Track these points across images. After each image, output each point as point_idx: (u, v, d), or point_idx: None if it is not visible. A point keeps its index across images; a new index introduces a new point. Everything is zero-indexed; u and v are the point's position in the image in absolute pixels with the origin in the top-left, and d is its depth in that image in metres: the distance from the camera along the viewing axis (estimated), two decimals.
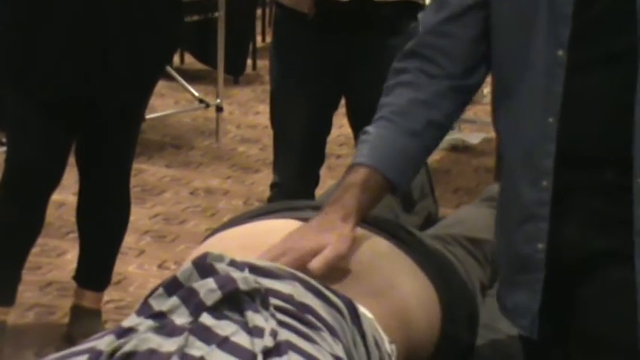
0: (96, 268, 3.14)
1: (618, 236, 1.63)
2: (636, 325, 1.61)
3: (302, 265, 1.63)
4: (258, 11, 7.07)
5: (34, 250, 3.03)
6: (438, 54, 1.78)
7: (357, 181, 1.75)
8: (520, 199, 1.70)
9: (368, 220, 1.79)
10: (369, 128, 1.83)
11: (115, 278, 3.22)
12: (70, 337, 3.08)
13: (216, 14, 5.31)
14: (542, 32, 1.64)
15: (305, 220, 1.77)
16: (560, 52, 1.62)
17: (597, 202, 1.64)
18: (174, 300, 1.46)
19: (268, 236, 1.73)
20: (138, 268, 3.71)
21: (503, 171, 1.80)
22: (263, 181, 4.53)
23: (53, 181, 2.89)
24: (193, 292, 1.45)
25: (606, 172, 1.62)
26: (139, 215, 4.02)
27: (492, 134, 5.06)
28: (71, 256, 3.58)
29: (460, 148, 5.49)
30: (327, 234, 1.69)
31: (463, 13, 1.77)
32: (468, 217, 2.31)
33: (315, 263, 1.64)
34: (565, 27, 1.62)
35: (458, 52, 1.77)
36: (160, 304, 1.47)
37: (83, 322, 3.08)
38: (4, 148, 3.24)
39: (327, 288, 1.57)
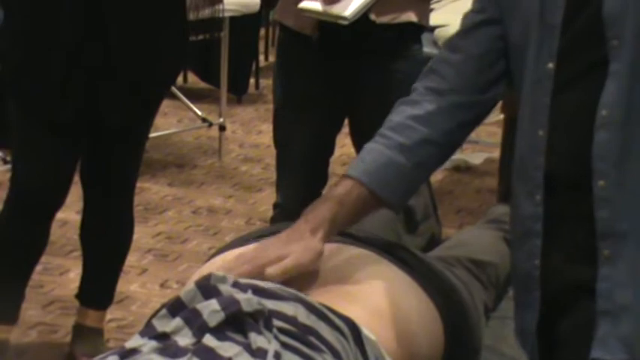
0: (99, 287, 3.14)
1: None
2: None
3: (260, 273, 1.67)
4: (262, 31, 7.09)
5: (37, 268, 3.03)
6: (448, 68, 1.79)
7: (336, 193, 1.77)
8: (520, 214, 1.69)
9: (371, 241, 1.80)
10: (365, 144, 1.84)
11: (117, 297, 3.22)
12: (72, 356, 3.07)
13: (220, 34, 5.33)
14: (534, 44, 1.65)
15: None
16: (550, 65, 1.62)
17: (581, 231, 1.62)
18: (177, 321, 1.46)
19: None
20: (140, 287, 3.71)
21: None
22: (265, 200, 4.54)
23: (58, 200, 2.89)
24: (197, 314, 1.45)
25: (587, 192, 1.60)
26: (141, 234, 4.02)
27: (495, 155, 5.07)
28: (74, 275, 3.58)
29: (462, 169, 5.49)
30: (293, 245, 1.72)
31: (475, 29, 1.77)
32: (471, 238, 2.31)
33: (271, 270, 1.68)
34: (554, 38, 1.62)
35: (466, 67, 1.77)
36: (163, 325, 1.47)
37: (85, 341, 3.08)
38: (8, 166, 3.24)
39: (331, 310, 1.57)
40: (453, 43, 1.81)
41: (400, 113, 1.82)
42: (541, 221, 1.64)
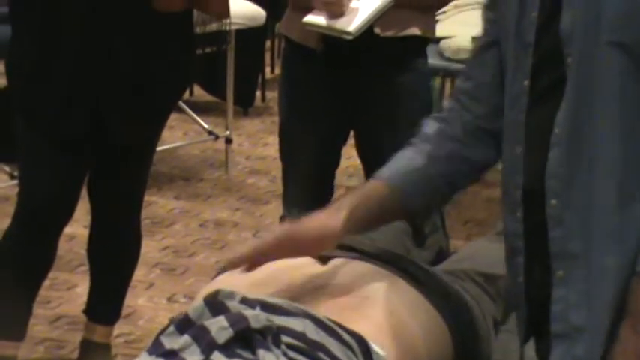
0: (106, 302, 3.14)
1: None
2: None
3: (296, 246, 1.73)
4: (268, 43, 7.09)
5: (45, 283, 3.03)
6: (465, 96, 1.79)
7: (363, 189, 1.81)
8: (505, 231, 1.70)
9: (380, 256, 1.79)
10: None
11: (124, 311, 3.21)
12: None
13: (226, 46, 5.33)
14: (511, 62, 1.65)
15: (316, 256, 1.77)
16: (525, 82, 1.63)
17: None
18: (185, 338, 1.45)
19: (279, 273, 1.73)
20: (147, 301, 3.70)
21: None
22: (272, 213, 4.53)
23: (65, 216, 2.89)
24: (205, 330, 1.45)
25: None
26: (148, 248, 4.01)
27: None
28: (81, 290, 3.57)
29: None
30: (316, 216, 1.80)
31: (480, 53, 1.77)
32: (480, 251, 2.30)
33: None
34: (528, 56, 1.62)
35: (480, 94, 1.77)
36: (171, 342, 1.46)
37: (93, 356, 3.07)
38: (16, 182, 3.24)
39: (339, 325, 1.56)
40: (464, 71, 1.82)
41: (431, 126, 1.83)
42: (522, 239, 1.64)
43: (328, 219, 1.76)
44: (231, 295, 1.52)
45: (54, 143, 2.78)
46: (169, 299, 3.73)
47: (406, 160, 1.80)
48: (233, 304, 1.49)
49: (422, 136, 1.83)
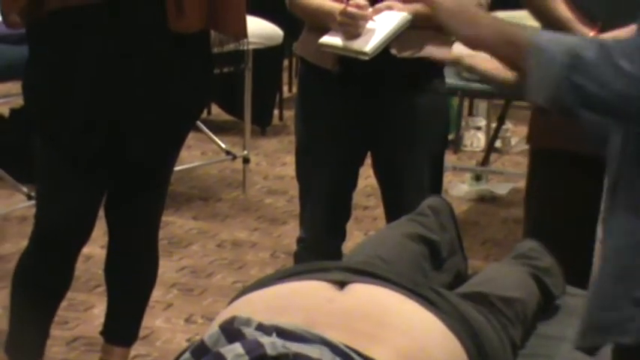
0: (124, 323, 3.13)
1: None
2: None
3: None
4: (285, 62, 7.10)
5: (62, 304, 3.02)
6: None
7: None
8: None
9: (398, 281, 1.77)
10: None
11: (141, 332, 3.20)
12: None
13: (243, 66, 5.33)
14: None
15: (333, 281, 1.76)
16: None
17: None
18: None
19: (296, 298, 1.72)
20: (165, 322, 3.69)
21: None
22: (290, 233, 4.52)
23: (83, 237, 2.88)
24: (221, 358, 1.43)
25: None
26: (166, 268, 4.01)
27: (520, 184, 5.04)
28: (98, 311, 3.57)
29: (488, 199, 5.46)
30: None
31: None
32: (498, 275, 2.28)
33: None
34: None
35: None
36: None
37: None
38: (33, 202, 3.24)
39: (356, 352, 1.55)
40: None
41: None
42: None
43: None
44: (247, 321, 1.51)
45: (72, 163, 2.77)
46: (187, 320, 3.72)
47: None
48: (249, 331, 1.48)
49: None
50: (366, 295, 1.76)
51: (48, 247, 2.87)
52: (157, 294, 3.42)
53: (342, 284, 1.78)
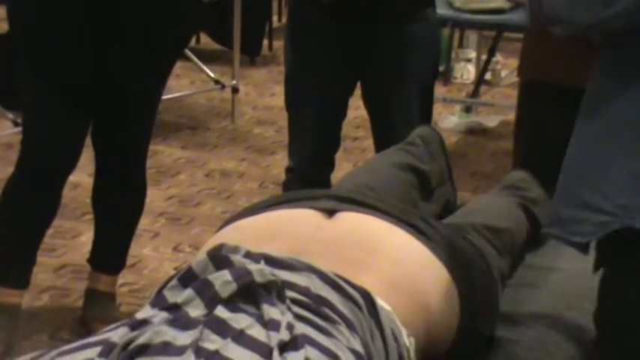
0: (111, 252, 3.13)
1: None
2: None
3: None
4: None
5: (49, 231, 3.02)
6: None
7: None
8: None
9: (387, 210, 1.76)
10: None
11: (129, 261, 3.20)
12: (84, 320, 3.06)
13: None
14: None
15: (322, 209, 1.74)
16: None
17: None
18: (189, 292, 1.43)
19: (284, 226, 1.70)
20: (152, 250, 3.69)
21: None
22: (279, 163, 4.51)
23: (69, 164, 2.87)
24: (208, 284, 1.42)
25: None
26: (153, 197, 4.00)
27: (510, 117, 5.02)
28: (86, 238, 3.57)
29: (477, 132, 5.45)
30: None
31: None
32: (487, 205, 2.28)
33: None
34: None
35: None
36: (174, 296, 1.44)
37: (97, 305, 3.07)
38: (19, 129, 3.22)
39: (344, 280, 1.54)
40: None
41: None
42: None
43: None
44: (235, 249, 1.50)
45: (57, 90, 2.75)
46: (174, 249, 3.72)
47: None
48: (237, 259, 1.47)
49: None
50: (355, 223, 1.75)
51: (34, 173, 2.86)
52: (144, 223, 3.41)
53: (331, 212, 1.77)
